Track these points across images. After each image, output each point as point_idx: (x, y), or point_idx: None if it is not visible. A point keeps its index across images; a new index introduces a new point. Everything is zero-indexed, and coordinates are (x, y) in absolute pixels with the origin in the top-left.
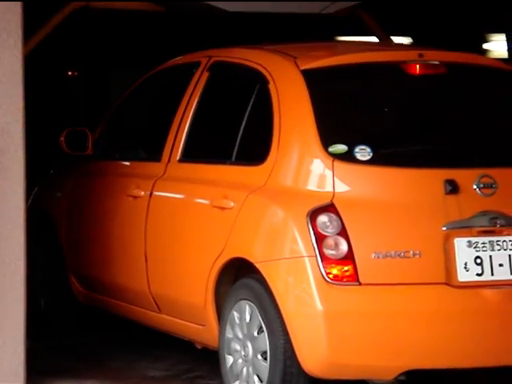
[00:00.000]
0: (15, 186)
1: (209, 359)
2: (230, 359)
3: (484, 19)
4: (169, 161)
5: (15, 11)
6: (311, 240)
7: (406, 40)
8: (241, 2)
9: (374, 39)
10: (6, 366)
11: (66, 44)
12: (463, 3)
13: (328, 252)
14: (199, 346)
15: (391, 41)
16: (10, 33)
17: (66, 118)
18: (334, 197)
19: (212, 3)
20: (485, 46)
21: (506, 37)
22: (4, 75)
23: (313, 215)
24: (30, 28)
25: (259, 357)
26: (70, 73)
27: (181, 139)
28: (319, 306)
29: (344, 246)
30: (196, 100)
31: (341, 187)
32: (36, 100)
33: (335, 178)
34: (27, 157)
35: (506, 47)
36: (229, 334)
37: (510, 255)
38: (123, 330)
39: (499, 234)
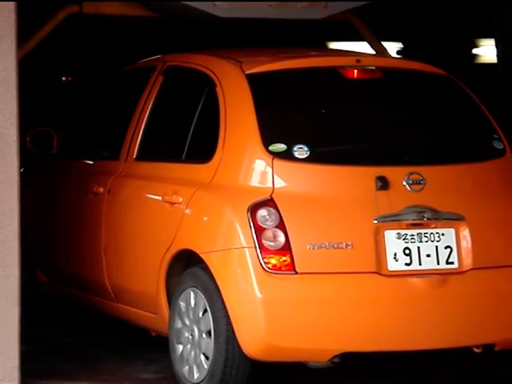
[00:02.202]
0: (9, 190)
1: None
2: (179, 348)
3: (474, 24)
4: (126, 159)
5: (9, 17)
6: (251, 232)
7: (397, 45)
8: (234, 9)
9: (365, 45)
10: (0, 368)
11: (61, 49)
12: (453, 9)
13: (267, 243)
14: (154, 334)
15: (382, 46)
16: (4, 38)
17: (60, 122)
18: (273, 192)
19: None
20: (474, 50)
21: (495, 42)
22: None
23: (253, 209)
24: (23, 33)
25: (204, 336)
26: (64, 78)
27: (137, 139)
28: (258, 293)
29: (282, 238)
30: (151, 102)
31: (280, 183)
32: (30, 105)
33: (275, 175)
34: (21, 161)
35: (495, 52)
36: (177, 323)
37: (436, 246)
38: (113, 332)
39: (427, 226)
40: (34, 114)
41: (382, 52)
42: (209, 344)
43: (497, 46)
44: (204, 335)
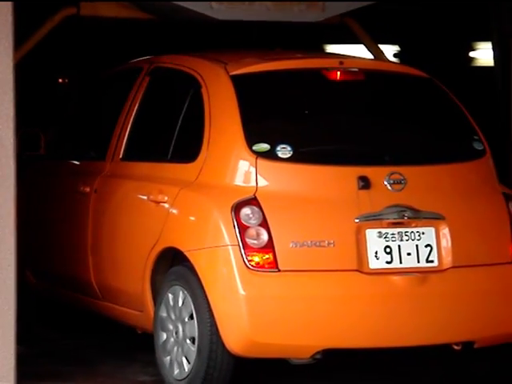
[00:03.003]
0: (5, 193)
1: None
2: (163, 336)
3: (471, 27)
4: (112, 159)
5: (6, 19)
6: (235, 230)
7: (394, 48)
8: (231, 11)
9: (362, 47)
10: None
11: (57, 51)
12: (450, 12)
13: (250, 241)
14: (139, 331)
15: (379, 49)
16: (1, 40)
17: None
18: (256, 191)
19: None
20: (471, 53)
21: (493, 45)
22: None
23: (237, 208)
24: (20, 35)
25: (188, 341)
26: (60, 80)
27: (123, 139)
28: (242, 290)
29: (265, 236)
30: (138, 103)
31: (263, 182)
32: (27, 107)
33: (258, 174)
34: (18, 163)
35: (492, 55)
36: (163, 313)
37: (417, 245)
38: (108, 334)
39: (407, 225)
40: (30, 115)
41: (378, 55)
42: (192, 351)
43: (494, 49)
44: (188, 341)
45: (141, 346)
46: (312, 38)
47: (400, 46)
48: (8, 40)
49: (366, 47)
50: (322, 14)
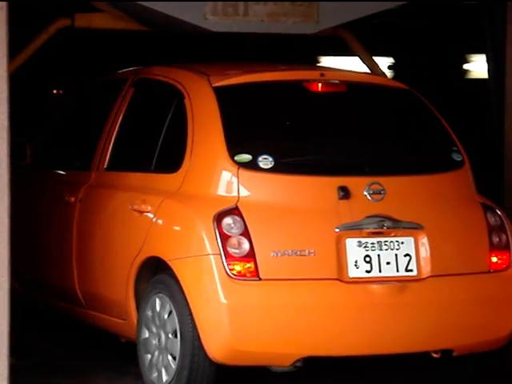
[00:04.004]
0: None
1: None
2: (147, 357)
3: (465, 40)
4: (97, 169)
5: (0, 30)
6: (217, 240)
7: (388, 60)
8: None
9: (356, 59)
10: None
11: (52, 62)
12: (444, 25)
13: (232, 250)
14: (123, 340)
15: (374, 61)
16: None
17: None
18: (238, 201)
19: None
20: (465, 66)
21: (487, 57)
22: None
23: (219, 217)
24: (14, 46)
25: (170, 336)
26: (55, 91)
27: (108, 149)
28: (223, 299)
29: (246, 245)
30: (122, 113)
31: (245, 192)
32: (21, 117)
33: (240, 185)
34: (12, 174)
35: (486, 68)
36: (144, 333)
37: (396, 254)
38: (100, 345)
39: (387, 235)
40: (23, 126)
41: (373, 67)
42: (175, 346)
43: (488, 62)
44: (170, 335)
45: (133, 357)
46: (307, 50)
47: (394, 58)
48: (2, 51)
49: (361, 59)
50: (316, 26)
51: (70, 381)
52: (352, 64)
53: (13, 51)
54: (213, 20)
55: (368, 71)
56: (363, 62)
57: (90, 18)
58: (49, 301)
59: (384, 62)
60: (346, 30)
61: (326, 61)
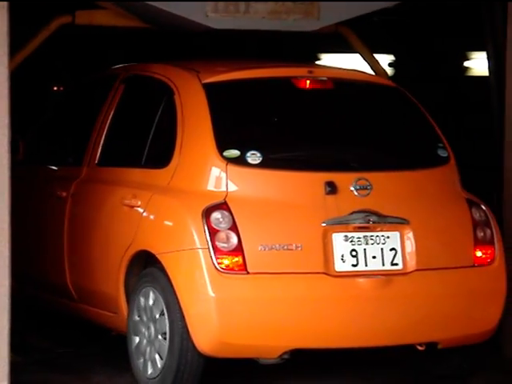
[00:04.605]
0: (0, 202)
1: (208, 382)
2: (136, 339)
3: (465, 37)
4: (88, 165)
5: (0, 27)
6: (205, 234)
7: (389, 58)
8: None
9: (357, 56)
10: None
11: (53, 59)
12: (445, 22)
13: (220, 244)
14: (114, 333)
15: (375, 58)
16: None
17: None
18: (226, 196)
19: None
20: (466, 63)
21: (487, 55)
22: None
23: (207, 212)
24: (15, 43)
25: (160, 337)
26: (55, 88)
27: (99, 145)
28: (211, 292)
29: (234, 240)
30: (113, 110)
31: (233, 187)
32: (22, 115)
33: (228, 180)
34: (12, 172)
35: (486, 65)
36: (135, 317)
37: (382, 248)
38: (99, 342)
39: (373, 229)
40: (24, 123)
41: (374, 64)
42: (164, 346)
43: (489, 59)
44: (160, 336)
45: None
46: (308, 47)
47: (395, 56)
48: (3, 48)
49: (362, 56)
50: (317, 23)
51: (69, 377)
52: (353, 61)
53: (14, 49)
54: (214, 17)
55: (366, 68)
56: (364, 59)
57: (91, 15)
58: (42, 295)
59: (385, 60)
60: (347, 27)
61: (327, 58)
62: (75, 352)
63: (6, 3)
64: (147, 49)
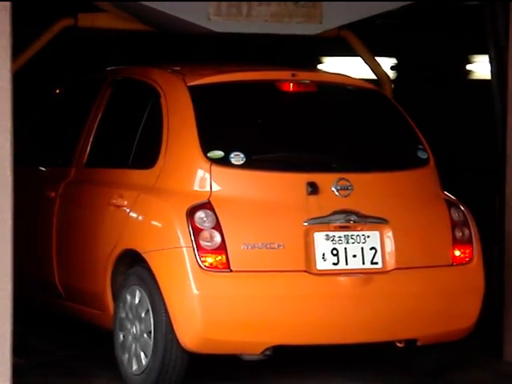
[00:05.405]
0: (2, 204)
1: (193, 377)
2: (121, 335)
3: (467, 40)
4: (77, 166)
5: (3, 29)
6: (189, 233)
7: (391, 61)
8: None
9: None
10: None
11: (55, 62)
12: (447, 25)
13: (204, 243)
14: (103, 331)
15: (376, 62)
16: None
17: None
18: (210, 196)
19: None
20: (468, 67)
21: (489, 58)
22: None
23: (191, 211)
24: (18, 46)
25: (145, 335)
26: (58, 90)
27: (87, 147)
28: (195, 290)
29: (218, 238)
30: (101, 111)
31: (217, 188)
32: (25, 118)
33: (212, 180)
34: (22, 176)
35: (488, 68)
36: (121, 314)
37: (362, 248)
38: (99, 345)
39: (353, 229)
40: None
41: (376, 67)
42: (149, 345)
43: (491, 63)
44: (145, 335)
45: None
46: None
47: (397, 59)
48: (6, 51)
49: (364, 60)
50: (319, 27)
51: (71, 380)
52: (355, 64)
53: (16, 51)
54: (216, 20)
55: (368, 72)
56: (366, 62)
57: (94, 18)
58: (30, 295)
59: (387, 63)
60: (349, 30)
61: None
62: (77, 355)
63: (8, 3)
64: (150, 52)
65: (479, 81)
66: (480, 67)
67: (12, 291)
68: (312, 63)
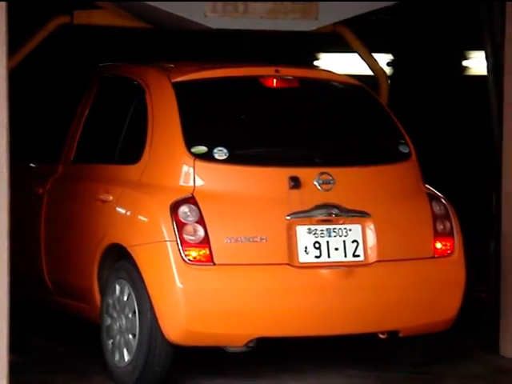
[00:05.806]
0: None
1: (191, 374)
2: (110, 342)
3: (464, 37)
4: (64, 162)
5: None
6: (173, 227)
7: (387, 57)
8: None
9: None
10: None
11: (52, 61)
12: (443, 21)
13: (187, 237)
14: (91, 324)
15: (373, 58)
16: None
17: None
18: (194, 190)
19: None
20: (464, 63)
21: (486, 54)
22: None
23: (175, 206)
24: (13, 43)
25: (130, 316)
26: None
27: (74, 143)
28: (179, 283)
29: (201, 232)
30: (88, 108)
31: (200, 182)
32: (20, 115)
33: (196, 175)
34: (11, 173)
35: (485, 65)
36: (107, 320)
37: (344, 241)
38: (99, 344)
39: (335, 222)
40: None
41: (372, 63)
42: (134, 325)
43: (487, 59)
44: (130, 315)
45: None
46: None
47: (393, 55)
48: (1, 48)
49: (360, 56)
50: (315, 23)
51: (69, 378)
52: (351, 60)
53: (12, 49)
54: (212, 17)
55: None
56: (362, 58)
57: (90, 15)
58: (23, 290)
59: (383, 59)
60: (345, 26)
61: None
62: (75, 352)
63: (4, 3)
64: (147, 49)
65: (476, 77)
66: (477, 63)
67: (9, 288)
68: (309, 60)
